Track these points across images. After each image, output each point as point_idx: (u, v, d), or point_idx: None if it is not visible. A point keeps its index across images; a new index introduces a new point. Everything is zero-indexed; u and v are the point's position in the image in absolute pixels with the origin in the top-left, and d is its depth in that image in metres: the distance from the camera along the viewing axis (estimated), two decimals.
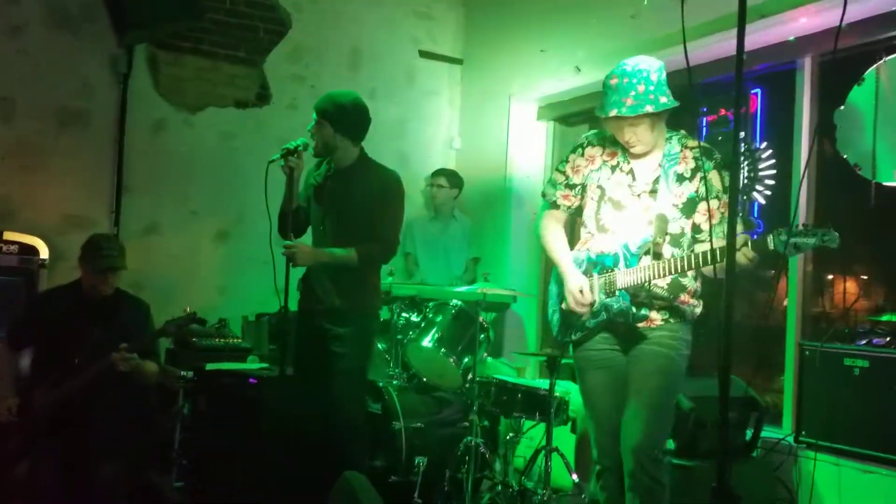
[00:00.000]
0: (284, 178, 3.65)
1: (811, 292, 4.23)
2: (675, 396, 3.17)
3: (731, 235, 1.95)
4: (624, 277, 2.97)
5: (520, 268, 5.90)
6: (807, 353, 3.81)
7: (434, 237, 5.89)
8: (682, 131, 3.10)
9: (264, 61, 5.86)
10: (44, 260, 4.72)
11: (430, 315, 4.52)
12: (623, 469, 2.99)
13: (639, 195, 3.04)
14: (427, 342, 4.40)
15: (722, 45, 4.21)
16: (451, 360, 4.35)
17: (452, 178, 5.89)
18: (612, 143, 3.11)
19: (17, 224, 4.96)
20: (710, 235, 2.75)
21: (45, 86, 5.20)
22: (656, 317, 3.02)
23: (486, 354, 4.75)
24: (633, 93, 2.87)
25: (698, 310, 3.08)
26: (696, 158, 3.00)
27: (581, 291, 3.03)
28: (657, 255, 2.94)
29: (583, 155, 3.17)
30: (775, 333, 4.34)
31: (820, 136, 4.11)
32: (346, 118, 3.68)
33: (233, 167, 5.64)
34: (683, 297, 3.04)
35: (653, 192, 3.02)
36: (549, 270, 5.88)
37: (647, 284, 2.95)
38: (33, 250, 4.72)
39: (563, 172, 3.20)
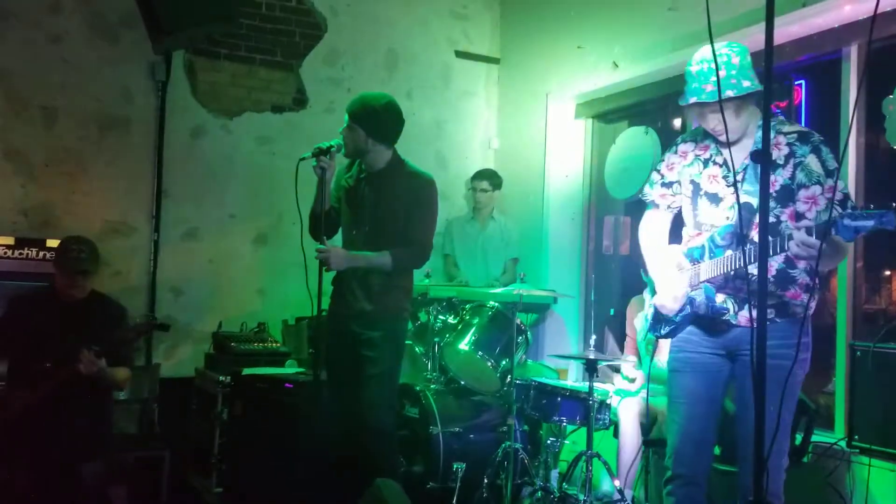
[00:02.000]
0: (316, 180, 3.62)
1: (862, 290, 4.06)
2: (793, 409, 2.97)
3: (763, 232, 1.85)
4: (707, 269, 2.86)
5: (559, 268, 5.81)
6: (858, 353, 3.66)
7: (472, 238, 5.85)
8: (780, 116, 2.97)
9: (300, 65, 5.88)
10: None
11: (468, 317, 4.46)
12: (702, 481, 2.89)
13: (733, 185, 2.88)
14: (464, 345, 4.34)
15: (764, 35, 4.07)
16: (489, 363, 4.28)
17: (494, 179, 5.85)
18: (704, 137, 3.01)
19: (60, 231, 5.01)
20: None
21: (85, 94, 5.27)
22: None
23: (524, 356, 4.67)
24: (713, 78, 2.75)
25: (813, 303, 2.87)
26: (790, 144, 2.82)
27: (675, 297, 2.92)
28: (742, 245, 2.74)
29: (676, 152, 3.09)
30: (826, 333, 4.19)
31: (868, 127, 3.95)
32: (377, 122, 3.61)
33: (270, 171, 5.65)
34: (793, 290, 2.86)
35: (744, 180, 2.87)
36: (590, 271, 5.85)
37: (735, 276, 2.79)
38: None
39: (660, 171, 3.14)
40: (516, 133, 6.26)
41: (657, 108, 5.33)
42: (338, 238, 3.87)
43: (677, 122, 5.14)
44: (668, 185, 3.12)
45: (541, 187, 5.87)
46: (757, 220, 2.73)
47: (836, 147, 4.10)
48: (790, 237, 2.53)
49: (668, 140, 4.65)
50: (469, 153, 6.44)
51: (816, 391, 4.32)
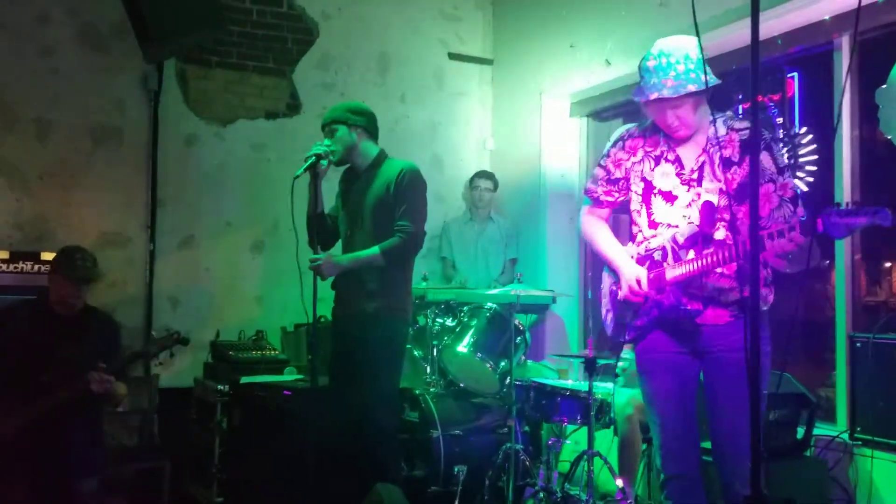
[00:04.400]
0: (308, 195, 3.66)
1: (861, 282, 4.04)
2: (764, 399, 2.90)
3: (753, 225, 1.83)
4: (672, 272, 2.79)
5: (557, 268, 5.79)
6: (858, 344, 3.64)
7: (471, 240, 5.84)
8: (729, 112, 2.89)
9: (293, 71, 5.86)
10: None
11: (465, 319, 4.45)
12: (696, 477, 2.87)
13: (688, 183, 2.84)
14: (462, 347, 4.32)
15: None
16: (488, 364, 4.27)
17: (493, 178, 5.87)
18: (652, 132, 2.93)
19: (55, 244, 4.98)
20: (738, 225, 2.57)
21: (78, 105, 5.26)
22: (723, 312, 2.81)
23: (523, 357, 4.65)
24: (672, 73, 2.70)
25: (770, 297, 2.84)
26: (742, 140, 2.78)
27: (638, 281, 2.85)
28: (706, 245, 2.71)
29: (623, 147, 3.00)
30: (825, 325, 4.17)
31: (862, 118, 3.93)
32: (354, 115, 3.75)
33: (265, 177, 5.65)
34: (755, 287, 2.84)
35: (700, 178, 2.82)
36: (588, 270, 5.82)
37: (700, 276, 2.75)
38: None
39: (604, 167, 3.04)
40: (511, 133, 6.24)
41: None
42: (338, 248, 3.89)
43: None
44: (615, 181, 3.02)
45: (537, 187, 5.86)
46: (723, 218, 2.74)
47: (829, 139, 4.10)
48: (780, 234, 2.49)
49: None
50: (464, 154, 6.42)
51: (817, 384, 4.30)
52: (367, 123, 3.79)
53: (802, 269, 2.65)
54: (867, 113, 3.88)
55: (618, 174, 3.01)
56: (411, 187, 3.68)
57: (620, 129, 3.10)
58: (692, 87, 2.70)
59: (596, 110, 5.69)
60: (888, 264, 4.16)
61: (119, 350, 3.75)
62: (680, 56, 2.72)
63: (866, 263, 4.06)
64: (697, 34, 2.17)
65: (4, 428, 3.46)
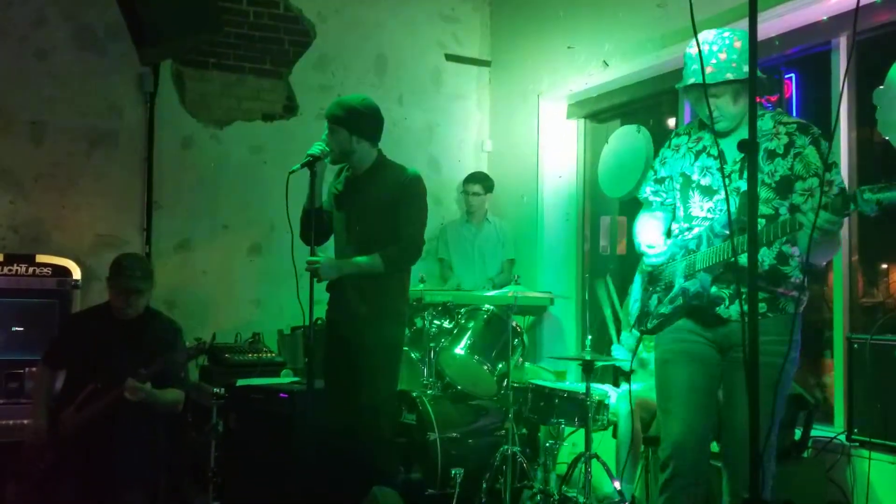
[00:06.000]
0: (306, 193, 3.61)
1: (858, 283, 4.03)
2: (783, 406, 2.92)
3: (752, 226, 1.82)
4: (704, 258, 2.77)
5: (555, 269, 5.78)
6: (855, 346, 3.63)
7: (468, 241, 5.83)
8: (779, 108, 2.92)
9: (290, 73, 5.85)
10: (76, 281, 4.72)
11: (463, 321, 4.43)
12: (702, 480, 2.81)
13: (729, 175, 2.80)
14: (460, 349, 4.31)
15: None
16: (486, 366, 4.25)
17: (485, 182, 5.84)
18: (699, 129, 2.95)
19: (50, 247, 5.01)
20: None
21: (74, 107, 5.25)
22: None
23: (521, 359, 4.64)
24: (714, 60, 2.69)
25: (804, 298, 2.81)
26: (789, 134, 2.75)
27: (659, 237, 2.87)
28: (741, 233, 2.62)
29: (670, 146, 3.03)
30: (823, 326, 4.16)
31: (859, 118, 3.92)
32: (358, 119, 3.62)
33: (262, 180, 5.63)
34: (784, 287, 2.78)
35: (742, 170, 2.78)
36: (586, 271, 5.81)
37: (728, 264, 2.69)
38: (66, 272, 4.72)
39: (653, 168, 3.08)
40: (509, 135, 6.23)
41: (649, 106, 5.31)
42: (330, 243, 3.84)
43: (671, 122, 5.12)
44: (661, 180, 3.06)
45: (535, 188, 5.85)
46: (762, 211, 2.70)
47: (827, 140, 4.08)
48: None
49: (660, 138, 4.63)
50: (462, 156, 6.41)
51: (814, 385, 4.29)
52: (371, 129, 3.67)
53: (828, 259, 2.72)
54: (865, 114, 3.87)
55: (663, 173, 3.04)
56: (415, 195, 3.67)
57: (641, 143, 3.12)
58: (730, 76, 2.69)
59: (593, 112, 5.69)
60: (885, 266, 4.15)
61: (177, 353, 3.73)
62: (723, 45, 2.71)
63: (864, 265, 4.05)
64: (695, 34, 2.16)
65: (63, 432, 3.54)
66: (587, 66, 5.33)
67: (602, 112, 5.66)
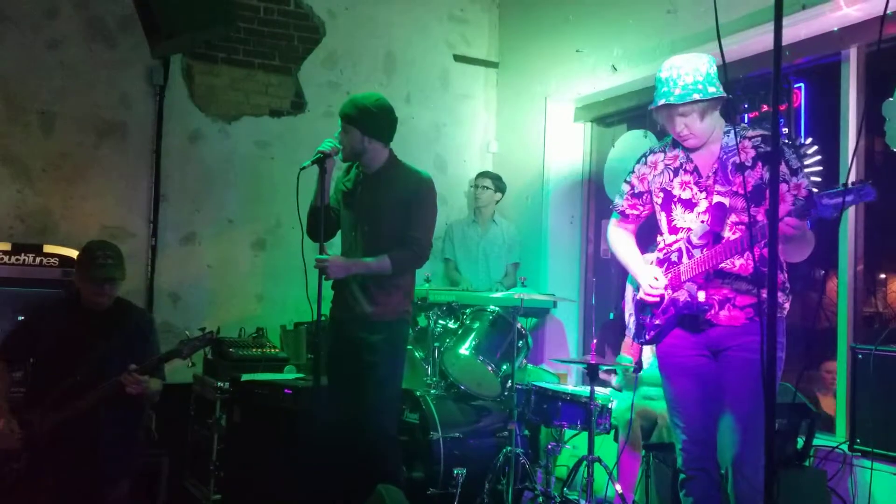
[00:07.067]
0: (315, 188, 3.61)
1: (862, 293, 4.05)
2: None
3: (773, 225, 1.84)
4: (686, 269, 2.96)
5: (559, 272, 5.80)
6: (859, 356, 3.65)
7: (474, 242, 5.84)
8: (743, 123, 3.13)
9: (299, 69, 5.86)
10: None
11: (468, 322, 4.44)
12: (714, 476, 2.97)
13: (705, 189, 3.01)
14: (464, 350, 4.32)
15: (762, 38, 4.08)
16: (490, 367, 4.27)
17: (497, 181, 5.86)
18: (673, 147, 3.14)
19: (58, 237, 5.01)
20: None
21: (83, 99, 5.26)
22: (739, 315, 2.94)
23: (525, 361, 4.65)
24: (681, 83, 2.93)
25: (787, 304, 3.00)
26: (756, 147, 2.95)
27: (656, 278, 3.04)
28: (717, 244, 2.89)
29: (646, 163, 3.21)
30: (826, 335, 4.18)
31: (868, 130, 3.94)
32: (371, 119, 3.61)
33: (269, 175, 5.66)
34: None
35: (714, 183, 3.00)
36: (589, 274, 5.83)
37: (714, 273, 2.91)
38: (73, 262, 4.72)
39: (629, 182, 3.26)
40: (515, 136, 6.24)
41: None
42: (337, 240, 3.85)
43: None
44: (639, 195, 3.24)
45: (540, 190, 5.87)
46: (731, 219, 2.93)
47: (836, 150, 4.11)
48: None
49: None
50: (468, 157, 6.43)
51: (818, 394, 4.31)
52: (384, 130, 3.66)
53: (804, 258, 2.92)
54: (874, 125, 3.89)
55: (641, 188, 3.23)
56: (427, 199, 3.69)
57: (645, 149, 3.32)
58: (696, 97, 2.91)
59: (600, 116, 5.71)
60: (886, 276, 4.17)
61: (152, 344, 3.67)
62: (689, 69, 2.95)
63: (868, 275, 4.07)
64: (719, 39, 2.27)
65: (37, 429, 3.39)
66: (595, 70, 5.34)
67: (609, 116, 5.67)
